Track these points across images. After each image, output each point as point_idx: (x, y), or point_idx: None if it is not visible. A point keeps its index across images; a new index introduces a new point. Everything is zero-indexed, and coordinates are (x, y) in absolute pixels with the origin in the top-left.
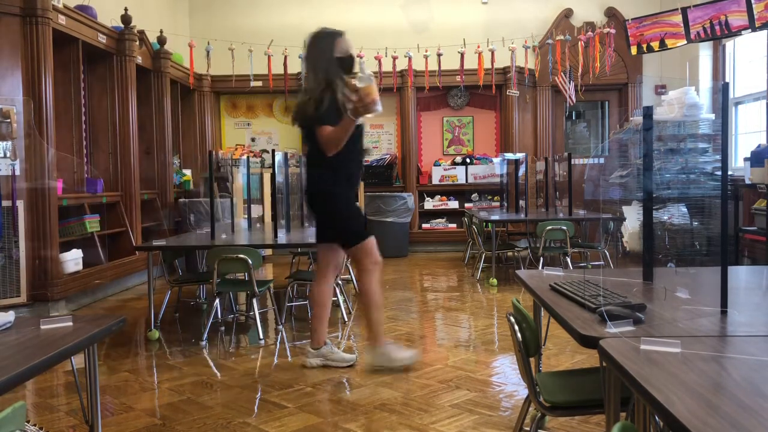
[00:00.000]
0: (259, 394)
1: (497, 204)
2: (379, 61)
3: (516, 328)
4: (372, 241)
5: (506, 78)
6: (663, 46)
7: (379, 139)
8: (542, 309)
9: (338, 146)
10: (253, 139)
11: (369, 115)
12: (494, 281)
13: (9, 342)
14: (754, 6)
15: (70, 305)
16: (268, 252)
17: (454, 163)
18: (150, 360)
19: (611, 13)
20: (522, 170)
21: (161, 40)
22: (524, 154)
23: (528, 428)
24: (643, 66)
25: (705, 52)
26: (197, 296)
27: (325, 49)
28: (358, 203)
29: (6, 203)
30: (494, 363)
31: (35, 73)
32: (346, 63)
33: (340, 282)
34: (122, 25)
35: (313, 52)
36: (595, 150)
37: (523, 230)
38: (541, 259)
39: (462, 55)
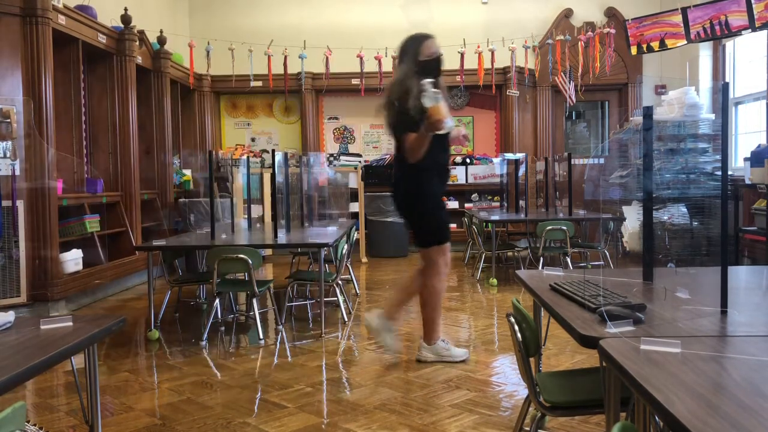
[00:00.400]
0: (259, 394)
1: (497, 204)
2: (379, 61)
3: (516, 328)
4: (449, 244)
5: (506, 78)
6: (663, 46)
7: (379, 139)
8: (542, 309)
9: (417, 155)
10: (253, 139)
11: (440, 132)
12: (494, 281)
13: (9, 342)
14: (754, 6)
15: (70, 305)
16: (268, 252)
17: (454, 163)
18: (150, 360)
19: (611, 13)
20: (522, 170)
21: (161, 40)
22: (524, 154)
23: (528, 428)
24: (643, 66)
25: (705, 52)
26: (197, 296)
27: (410, 51)
28: (445, 205)
29: (6, 203)
30: (494, 363)
31: (35, 73)
32: (430, 66)
33: (340, 282)
34: (122, 25)
35: (401, 54)
36: (595, 150)
37: (523, 230)
38: (541, 259)
39: (462, 55)
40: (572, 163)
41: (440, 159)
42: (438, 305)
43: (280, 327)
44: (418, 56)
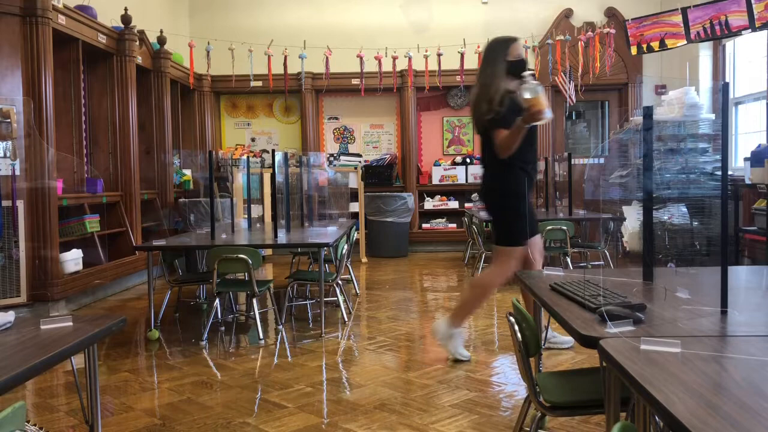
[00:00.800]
0: (259, 394)
1: None
2: (379, 61)
3: (516, 328)
4: (520, 252)
5: None
6: (663, 46)
7: (379, 139)
8: (542, 309)
9: (510, 150)
10: (253, 139)
11: (538, 123)
12: None
13: (9, 342)
14: (754, 6)
15: (70, 305)
16: (268, 252)
17: (454, 163)
18: (150, 360)
19: (611, 13)
20: None
21: (161, 40)
22: None
23: (528, 428)
24: (643, 66)
25: (705, 52)
26: (197, 296)
27: (498, 53)
28: (530, 205)
29: (6, 203)
30: (494, 363)
31: (35, 73)
32: (517, 66)
33: (340, 282)
34: (122, 25)
35: (487, 55)
36: (595, 150)
37: None
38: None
39: (462, 55)
40: (572, 163)
41: (529, 156)
42: (482, 300)
43: (280, 327)
44: (507, 57)
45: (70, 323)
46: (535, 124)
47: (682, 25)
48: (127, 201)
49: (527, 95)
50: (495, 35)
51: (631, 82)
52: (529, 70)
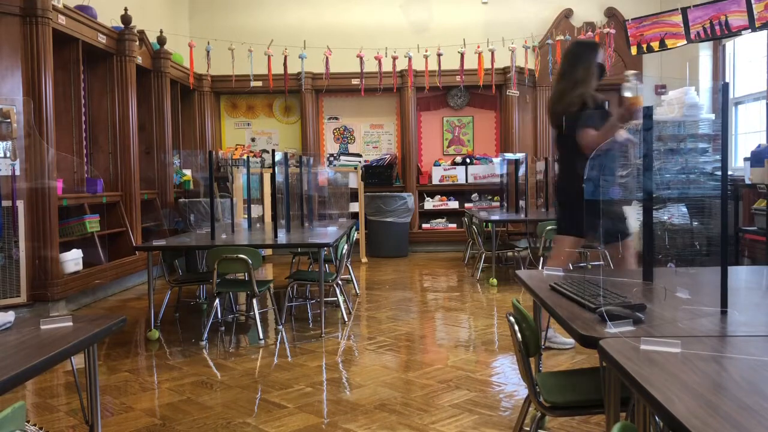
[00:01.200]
0: (259, 394)
1: (497, 204)
2: (379, 61)
3: (516, 328)
4: (628, 243)
5: (506, 78)
6: (663, 46)
7: (379, 139)
8: (542, 309)
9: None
10: (253, 139)
11: (633, 123)
12: (494, 281)
13: (9, 342)
14: (754, 6)
15: (70, 305)
16: (268, 252)
17: (454, 163)
18: (150, 360)
19: (611, 13)
20: (522, 170)
21: (161, 40)
22: (524, 154)
23: (528, 428)
24: (643, 66)
25: (705, 52)
26: (197, 296)
27: (593, 55)
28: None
29: (6, 203)
30: (494, 363)
31: (35, 73)
32: (602, 70)
33: (340, 282)
34: (122, 25)
35: (579, 55)
36: (595, 150)
37: (523, 230)
38: (541, 259)
39: (462, 55)
40: None
41: None
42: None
43: (280, 327)
44: (596, 59)
45: (70, 323)
46: (632, 122)
47: (682, 25)
48: (127, 201)
49: (628, 94)
50: (495, 35)
51: None
52: (633, 72)
